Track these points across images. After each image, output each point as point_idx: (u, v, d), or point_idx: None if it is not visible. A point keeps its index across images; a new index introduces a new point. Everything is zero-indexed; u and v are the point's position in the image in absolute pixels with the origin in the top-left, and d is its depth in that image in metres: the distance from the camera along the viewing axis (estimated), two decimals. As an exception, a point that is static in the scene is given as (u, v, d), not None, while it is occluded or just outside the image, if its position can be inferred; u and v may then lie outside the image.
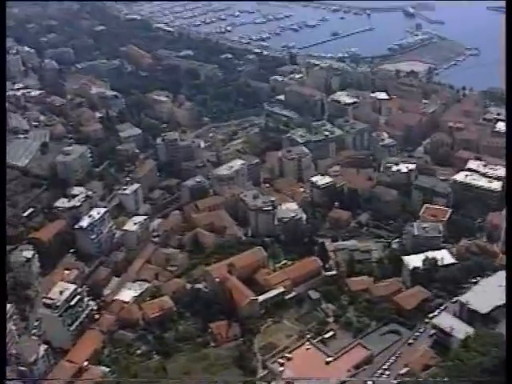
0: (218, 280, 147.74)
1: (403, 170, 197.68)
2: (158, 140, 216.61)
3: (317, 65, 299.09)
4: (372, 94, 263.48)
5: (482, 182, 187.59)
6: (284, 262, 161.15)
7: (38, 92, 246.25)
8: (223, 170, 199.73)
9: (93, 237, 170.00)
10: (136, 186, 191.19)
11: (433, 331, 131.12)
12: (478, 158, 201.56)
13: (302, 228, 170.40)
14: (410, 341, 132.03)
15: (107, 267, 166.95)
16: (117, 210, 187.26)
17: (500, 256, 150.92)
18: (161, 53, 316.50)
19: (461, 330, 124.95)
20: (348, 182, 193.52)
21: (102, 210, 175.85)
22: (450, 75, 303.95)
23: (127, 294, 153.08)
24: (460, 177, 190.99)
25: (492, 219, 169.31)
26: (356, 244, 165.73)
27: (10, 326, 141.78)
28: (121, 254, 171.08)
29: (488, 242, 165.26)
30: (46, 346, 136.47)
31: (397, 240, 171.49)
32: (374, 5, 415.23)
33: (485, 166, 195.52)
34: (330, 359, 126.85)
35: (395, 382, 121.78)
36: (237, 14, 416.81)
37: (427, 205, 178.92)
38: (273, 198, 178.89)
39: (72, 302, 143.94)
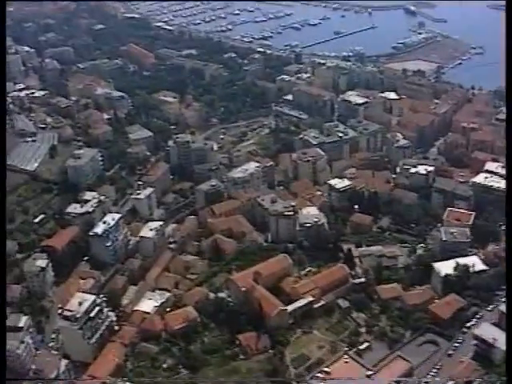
0: (243, 289, 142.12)
1: (422, 172, 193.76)
2: (170, 142, 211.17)
3: (323, 64, 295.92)
4: (381, 94, 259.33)
5: (503, 185, 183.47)
6: (308, 269, 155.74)
7: (42, 93, 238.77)
8: (238, 173, 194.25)
9: (108, 244, 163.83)
10: (150, 190, 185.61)
11: (474, 342, 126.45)
12: (495, 160, 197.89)
13: (326, 234, 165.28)
14: (450, 351, 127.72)
15: (123, 275, 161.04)
16: (130, 216, 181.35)
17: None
18: (163, 52, 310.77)
19: (503, 340, 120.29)
20: (366, 185, 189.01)
21: (117, 216, 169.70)
22: (456, 74, 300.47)
23: (148, 304, 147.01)
24: (479, 179, 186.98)
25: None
26: (381, 250, 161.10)
27: (28, 339, 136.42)
28: (137, 262, 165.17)
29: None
30: (66, 361, 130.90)
31: (421, 245, 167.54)
32: (374, 3, 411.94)
33: (503, 167, 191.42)
34: (370, 373, 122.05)
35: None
36: (236, 12, 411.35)
37: (450, 208, 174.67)
38: (293, 203, 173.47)
39: (92, 314, 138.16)
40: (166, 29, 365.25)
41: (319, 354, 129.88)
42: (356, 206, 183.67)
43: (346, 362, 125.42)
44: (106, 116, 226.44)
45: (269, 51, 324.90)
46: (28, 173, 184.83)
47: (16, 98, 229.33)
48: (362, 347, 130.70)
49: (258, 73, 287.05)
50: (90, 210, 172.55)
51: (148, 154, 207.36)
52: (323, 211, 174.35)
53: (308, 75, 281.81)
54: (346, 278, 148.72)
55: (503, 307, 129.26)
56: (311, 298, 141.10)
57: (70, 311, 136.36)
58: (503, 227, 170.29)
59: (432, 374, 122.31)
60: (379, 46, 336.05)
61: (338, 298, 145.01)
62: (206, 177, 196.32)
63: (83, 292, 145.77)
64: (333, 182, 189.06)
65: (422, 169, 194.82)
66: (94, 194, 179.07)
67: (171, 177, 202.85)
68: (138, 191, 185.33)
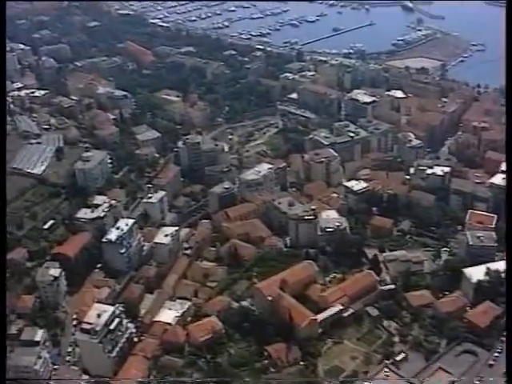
0: (269, 298, 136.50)
1: (438, 173, 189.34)
2: (179, 143, 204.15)
3: (325, 61, 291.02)
4: (387, 93, 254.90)
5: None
6: (333, 275, 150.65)
7: (42, 92, 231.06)
8: (251, 175, 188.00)
9: (122, 251, 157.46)
10: (161, 193, 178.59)
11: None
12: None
13: (348, 238, 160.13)
14: (490, 362, 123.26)
15: (138, 283, 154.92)
16: (142, 220, 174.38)
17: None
18: (161, 49, 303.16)
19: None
20: (383, 187, 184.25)
21: (130, 222, 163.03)
22: (459, 72, 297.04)
23: (168, 315, 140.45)
24: (497, 180, 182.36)
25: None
26: (406, 254, 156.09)
27: (44, 353, 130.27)
28: (152, 269, 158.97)
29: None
30: (87, 377, 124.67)
31: (445, 249, 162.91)
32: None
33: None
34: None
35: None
36: (232, 8, 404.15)
37: (471, 211, 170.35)
38: (313, 206, 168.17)
39: (111, 326, 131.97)
40: (162, 26, 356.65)
41: (353, 365, 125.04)
42: (374, 209, 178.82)
43: (387, 375, 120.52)
44: (111, 116, 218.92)
45: (269, 48, 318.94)
46: (35, 176, 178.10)
47: (16, 97, 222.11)
48: (398, 358, 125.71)
49: (261, 71, 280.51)
50: (102, 214, 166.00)
51: (157, 155, 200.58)
52: (342, 214, 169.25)
53: (312, 73, 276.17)
54: (374, 284, 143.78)
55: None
56: (341, 307, 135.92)
57: (89, 324, 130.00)
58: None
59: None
60: (379, 43, 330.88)
61: (366, 305, 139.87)
62: (218, 179, 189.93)
63: (99, 302, 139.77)
64: (349, 183, 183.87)
65: (438, 170, 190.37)
66: (104, 198, 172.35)
67: (182, 179, 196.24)
68: (150, 195, 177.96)
